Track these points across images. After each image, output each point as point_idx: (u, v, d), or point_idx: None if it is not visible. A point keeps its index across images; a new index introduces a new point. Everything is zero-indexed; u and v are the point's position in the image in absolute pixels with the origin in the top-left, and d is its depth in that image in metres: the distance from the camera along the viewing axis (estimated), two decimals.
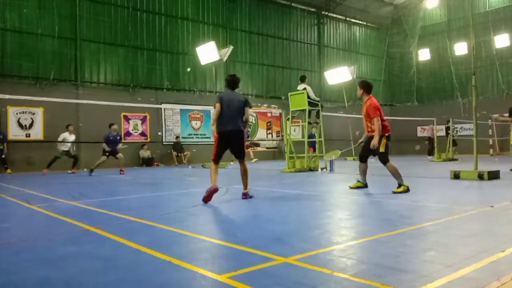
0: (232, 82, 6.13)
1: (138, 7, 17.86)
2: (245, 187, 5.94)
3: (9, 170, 13.72)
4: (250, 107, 6.23)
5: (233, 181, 9.37)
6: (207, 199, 5.48)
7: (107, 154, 12.56)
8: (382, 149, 6.31)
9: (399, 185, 6.22)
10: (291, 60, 23.28)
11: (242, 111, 5.93)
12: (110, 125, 12.71)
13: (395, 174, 6.28)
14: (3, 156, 13.76)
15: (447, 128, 19.38)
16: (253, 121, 21.80)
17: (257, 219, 4.29)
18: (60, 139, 13.48)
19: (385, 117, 6.56)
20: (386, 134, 6.40)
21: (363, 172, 6.78)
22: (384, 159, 6.35)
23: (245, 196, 5.89)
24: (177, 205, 5.55)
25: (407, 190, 6.15)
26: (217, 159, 5.88)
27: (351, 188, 6.80)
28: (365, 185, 6.78)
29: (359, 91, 6.67)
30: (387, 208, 4.94)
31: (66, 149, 13.56)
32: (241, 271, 2.47)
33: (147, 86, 17.99)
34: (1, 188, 8.35)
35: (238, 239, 3.36)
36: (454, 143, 19.09)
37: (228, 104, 5.87)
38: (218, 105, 5.82)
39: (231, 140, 5.85)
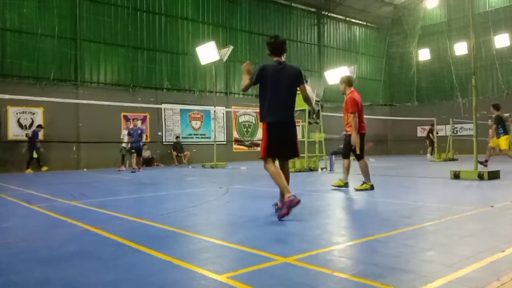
0: (276, 46, 4.41)
1: (138, 7, 17.86)
2: (289, 193, 4.12)
3: (44, 168, 14.58)
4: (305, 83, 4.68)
5: (233, 181, 9.38)
6: (286, 214, 4.07)
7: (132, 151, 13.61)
8: (358, 151, 6.55)
9: (363, 183, 6.56)
10: (291, 60, 23.22)
11: (294, 91, 4.48)
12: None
13: (364, 172, 6.57)
14: (37, 156, 14.33)
15: (430, 131, 20.02)
16: (253, 121, 21.81)
17: (257, 219, 4.29)
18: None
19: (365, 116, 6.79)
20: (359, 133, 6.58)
21: (346, 170, 6.84)
22: (358, 158, 6.60)
23: (286, 209, 4.08)
24: (177, 205, 5.55)
25: (370, 188, 6.48)
26: (270, 155, 4.36)
27: (334, 186, 6.85)
28: (345, 184, 6.82)
29: (341, 86, 6.85)
30: (387, 208, 4.94)
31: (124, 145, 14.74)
32: (241, 271, 2.47)
33: (147, 86, 17.99)
34: (1, 188, 8.35)
35: (238, 239, 3.36)
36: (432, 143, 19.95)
37: (274, 82, 4.33)
38: (248, 81, 4.34)
39: (282, 134, 4.41)
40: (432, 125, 20.54)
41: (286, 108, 4.43)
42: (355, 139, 6.39)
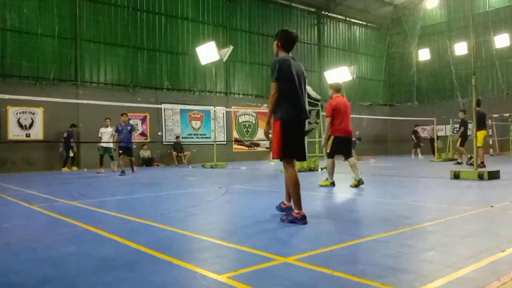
0: (293, 40, 4.21)
1: (138, 7, 17.86)
2: (300, 210, 3.96)
3: (74, 168, 14.99)
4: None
5: (233, 181, 9.38)
6: (285, 221, 3.99)
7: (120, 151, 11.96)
8: (328, 149, 7.17)
9: (326, 179, 7.29)
10: None
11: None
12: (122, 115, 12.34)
13: (329, 170, 7.21)
14: (72, 155, 14.85)
15: (414, 132, 20.85)
16: (253, 121, 21.81)
17: (257, 219, 4.29)
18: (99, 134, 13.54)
19: (347, 117, 7.22)
20: (333, 135, 7.07)
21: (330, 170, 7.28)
22: (327, 156, 7.31)
23: (288, 219, 3.98)
24: (177, 205, 5.55)
25: (330, 185, 7.17)
26: (290, 155, 4.04)
27: (321, 185, 7.28)
28: (332, 183, 7.23)
29: (330, 91, 7.39)
30: (387, 208, 4.94)
31: (105, 145, 13.16)
32: (241, 271, 2.47)
33: (147, 86, 17.99)
34: (1, 188, 8.35)
35: (238, 239, 3.36)
36: (419, 145, 21.02)
37: (297, 76, 4.07)
38: (276, 85, 4.01)
39: (300, 133, 4.12)
40: (416, 125, 21.10)
41: (304, 105, 4.15)
42: (323, 140, 7.23)
